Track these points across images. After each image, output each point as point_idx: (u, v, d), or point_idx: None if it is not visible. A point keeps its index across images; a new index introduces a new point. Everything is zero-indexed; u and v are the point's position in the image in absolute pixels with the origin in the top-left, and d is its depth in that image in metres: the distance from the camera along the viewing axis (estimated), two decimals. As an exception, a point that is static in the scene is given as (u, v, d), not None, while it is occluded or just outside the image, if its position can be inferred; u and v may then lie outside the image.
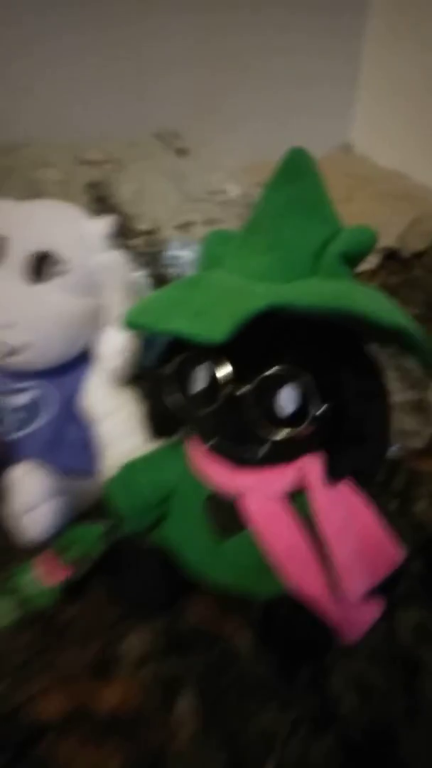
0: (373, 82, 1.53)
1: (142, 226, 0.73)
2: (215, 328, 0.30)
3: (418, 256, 1.15)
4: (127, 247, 0.72)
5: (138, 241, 0.70)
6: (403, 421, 0.64)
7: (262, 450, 0.36)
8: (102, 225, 0.45)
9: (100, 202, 0.75)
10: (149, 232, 0.72)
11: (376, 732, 0.35)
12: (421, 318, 0.94)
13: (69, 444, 0.48)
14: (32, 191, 0.77)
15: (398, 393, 0.69)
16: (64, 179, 0.83)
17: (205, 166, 0.97)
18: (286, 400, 0.34)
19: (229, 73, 1.35)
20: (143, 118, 1.14)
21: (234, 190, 0.83)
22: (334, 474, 0.36)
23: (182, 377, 0.37)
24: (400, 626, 0.41)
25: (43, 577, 0.41)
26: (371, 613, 0.38)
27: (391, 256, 1.13)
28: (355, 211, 1.19)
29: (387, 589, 0.38)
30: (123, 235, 0.74)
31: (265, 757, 0.33)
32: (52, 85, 1.09)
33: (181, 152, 1.02)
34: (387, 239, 1.13)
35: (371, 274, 1.09)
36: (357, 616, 0.37)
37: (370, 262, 1.11)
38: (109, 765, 0.32)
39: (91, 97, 1.13)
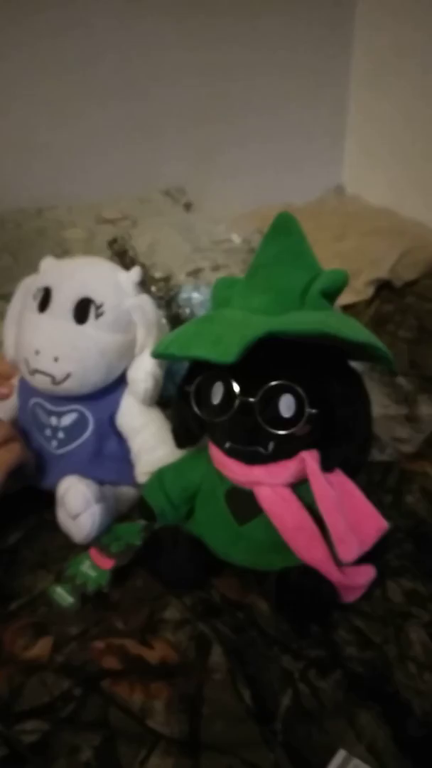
0: (360, 127, 1.66)
1: (157, 274, 0.84)
2: (228, 351, 0.40)
3: (411, 284, 1.23)
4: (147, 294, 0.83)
5: (154, 288, 0.81)
6: (395, 430, 0.73)
7: (270, 446, 0.45)
8: (132, 274, 0.55)
9: (120, 255, 0.86)
10: (164, 279, 0.83)
11: (374, 668, 0.43)
12: (414, 341, 1.04)
13: (109, 457, 0.57)
14: (62, 249, 0.88)
15: (392, 407, 0.78)
16: (87, 237, 0.94)
17: (210, 217, 1.08)
18: (285, 406, 0.44)
19: (226, 130, 1.48)
20: (151, 176, 1.26)
21: (237, 239, 0.94)
22: (327, 464, 0.46)
23: (202, 394, 0.47)
24: (393, 592, 0.49)
25: (96, 565, 0.50)
26: (366, 576, 0.46)
27: (385, 286, 1.22)
28: (349, 247, 1.30)
29: (377, 556, 0.47)
30: (143, 283, 0.84)
31: (282, 691, 0.41)
32: (71, 152, 1.22)
33: (188, 206, 1.13)
34: (380, 271, 1.23)
35: (367, 303, 1.19)
36: (354, 578, 0.46)
37: (365, 293, 1.21)
38: (156, 701, 0.40)
39: (105, 160, 1.26)
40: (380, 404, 0.75)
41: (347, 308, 1.15)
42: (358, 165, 1.72)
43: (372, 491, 0.62)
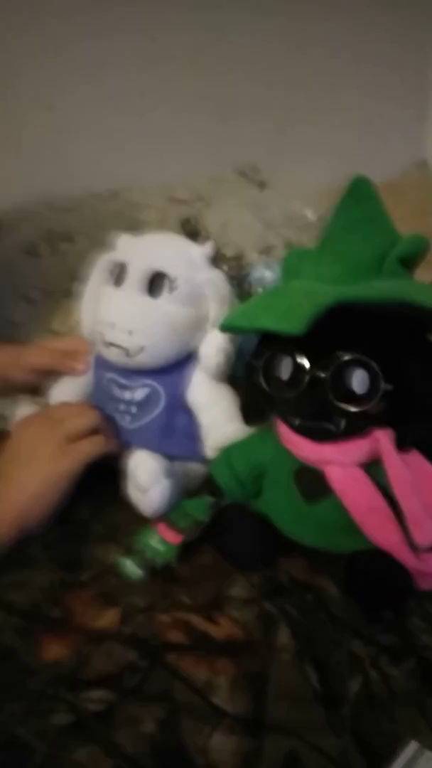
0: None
1: (229, 252, 0.83)
2: (296, 322, 0.38)
3: None
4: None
5: (226, 267, 0.80)
6: None
7: (341, 424, 0.43)
8: (205, 248, 0.55)
9: (192, 235, 0.86)
10: (235, 258, 0.82)
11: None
12: None
13: (179, 432, 0.56)
14: (136, 231, 0.88)
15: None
16: (161, 218, 0.94)
17: (284, 194, 1.06)
18: (358, 382, 0.42)
19: (301, 105, 1.44)
20: (224, 155, 1.25)
21: (311, 215, 0.91)
22: (402, 443, 0.43)
23: (271, 369, 0.45)
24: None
25: (164, 540, 0.50)
26: (442, 563, 0.44)
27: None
28: (428, 223, 1.24)
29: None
30: (215, 262, 0.84)
31: (351, 676, 0.39)
32: (145, 135, 1.22)
33: (262, 185, 1.11)
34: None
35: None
36: (429, 564, 0.43)
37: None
38: (220, 677, 0.40)
39: (177, 141, 1.25)
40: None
41: (428, 287, 1.10)
42: (442, 139, 1.63)
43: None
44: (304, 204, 0.94)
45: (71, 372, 0.61)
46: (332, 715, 0.37)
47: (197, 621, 0.44)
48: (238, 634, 0.43)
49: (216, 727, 0.36)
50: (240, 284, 0.79)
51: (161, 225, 0.91)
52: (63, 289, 0.78)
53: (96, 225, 0.88)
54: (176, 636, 0.43)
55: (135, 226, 0.92)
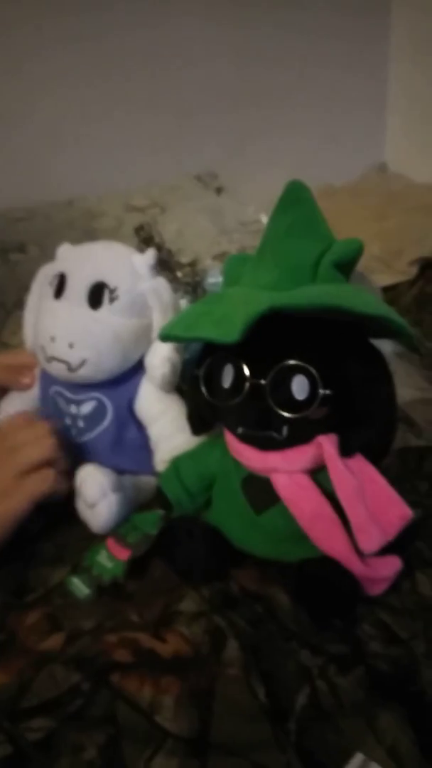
0: (401, 101, 1.59)
1: (184, 259, 0.82)
2: (231, 330, 0.38)
3: (457, 264, 1.17)
4: (173, 279, 0.82)
5: (180, 273, 0.79)
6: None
7: (284, 431, 0.42)
8: (147, 257, 0.54)
9: (146, 242, 0.85)
10: (191, 264, 0.81)
11: (399, 666, 0.40)
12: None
13: (129, 445, 0.55)
14: (90, 239, 0.87)
15: (429, 389, 0.74)
16: (116, 226, 0.93)
17: (242, 200, 1.06)
18: (298, 388, 0.41)
19: (260, 111, 1.44)
20: (183, 162, 1.25)
21: (266, 219, 0.91)
22: (346, 449, 0.43)
23: (213, 378, 0.44)
24: (423, 585, 0.46)
25: (112, 555, 0.49)
26: (391, 567, 0.43)
27: (428, 265, 1.17)
28: (391, 226, 1.25)
29: (404, 547, 0.44)
30: (169, 269, 0.83)
31: (299, 688, 0.39)
32: (102, 142, 1.21)
33: (219, 191, 1.11)
34: (423, 250, 1.18)
35: (410, 285, 1.14)
36: (378, 570, 0.43)
37: (408, 273, 1.16)
38: (165, 696, 0.38)
39: (135, 149, 1.25)
40: (417, 387, 0.71)
41: (389, 289, 1.10)
42: (401, 142, 1.65)
43: (407, 478, 0.59)
44: (260, 209, 0.94)
45: (17, 386, 0.59)
46: (278, 730, 0.36)
47: (144, 639, 0.43)
48: (186, 650, 0.42)
49: (158, 749, 0.35)
50: (194, 290, 0.78)
51: (116, 233, 0.90)
52: (14, 300, 0.76)
53: (49, 234, 0.87)
54: (122, 655, 0.42)
55: (89, 234, 0.91)
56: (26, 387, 0.59)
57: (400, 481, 0.58)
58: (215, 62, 1.35)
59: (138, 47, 1.23)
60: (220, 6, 1.32)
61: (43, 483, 0.49)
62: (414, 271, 1.17)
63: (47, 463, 0.49)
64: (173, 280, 0.80)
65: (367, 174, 1.60)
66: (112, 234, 0.91)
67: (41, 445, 0.50)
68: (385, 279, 1.13)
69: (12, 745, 0.36)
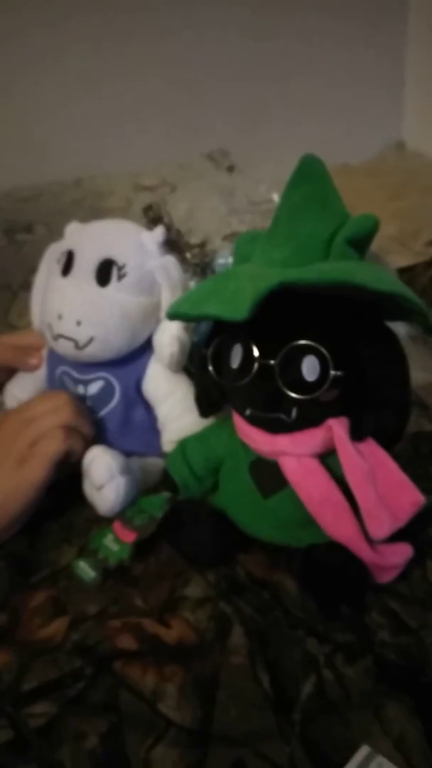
0: (420, 79, 1.55)
1: (194, 240, 0.80)
2: (240, 307, 0.36)
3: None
4: (181, 260, 0.80)
5: (189, 254, 0.78)
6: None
7: (293, 413, 0.41)
8: (156, 234, 0.52)
9: (155, 222, 0.83)
10: (200, 245, 0.79)
11: (408, 655, 0.39)
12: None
13: (136, 426, 0.54)
14: (98, 219, 0.86)
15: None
16: (124, 206, 0.92)
17: (254, 179, 1.03)
18: (308, 369, 0.40)
19: (275, 87, 1.41)
20: (194, 141, 1.22)
21: (278, 198, 0.89)
22: (357, 432, 0.41)
23: (222, 358, 0.43)
24: (433, 573, 0.45)
25: (118, 538, 0.48)
26: (402, 555, 0.42)
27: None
28: (407, 206, 1.22)
29: (416, 534, 0.42)
30: (178, 249, 0.81)
31: (305, 677, 0.38)
32: (112, 121, 1.19)
33: (230, 169, 1.09)
34: (441, 230, 1.14)
35: (427, 266, 1.11)
36: (388, 557, 0.41)
37: (425, 254, 1.14)
38: (169, 684, 0.38)
39: (145, 127, 1.22)
40: None
41: (405, 270, 1.08)
42: (419, 120, 1.61)
43: (419, 463, 0.57)
44: (272, 188, 0.92)
45: (24, 367, 0.58)
46: (282, 720, 0.35)
47: (149, 624, 0.42)
48: (191, 636, 0.41)
49: (160, 738, 0.34)
50: (204, 272, 0.77)
51: (124, 213, 0.89)
52: (20, 282, 0.75)
53: (56, 214, 0.85)
54: (125, 641, 0.41)
55: (97, 214, 0.89)
56: (34, 368, 0.58)
57: (413, 466, 0.56)
58: (227, 38, 1.32)
59: (149, 23, 1.20)
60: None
61: (52, 442, 0.48)
62: (431, 252, 1.14)
63: (58, 427, 0.49)
64: (182, 261, 0.78)
65: (384, 153, 1.57)
66: (121, 214, 0.89)
67: (59, 414, 0.49)
68: (401, 260, 1.10)
69: (13, 730, 0.35)
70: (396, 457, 0.42)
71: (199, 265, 0.78)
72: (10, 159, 1.03)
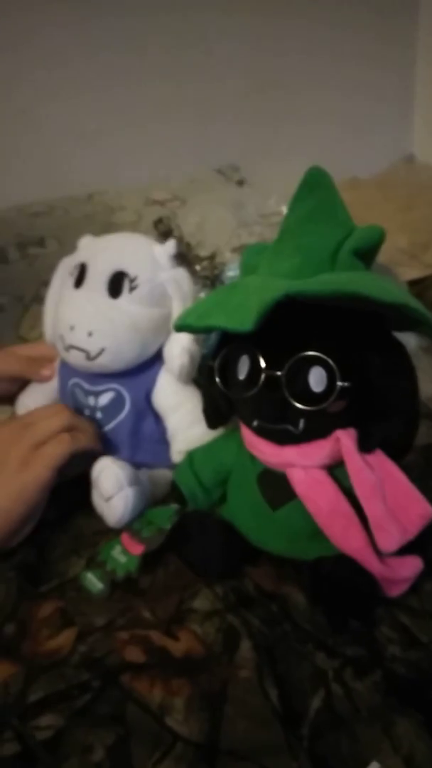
0: (430, 90, 1.55)
1: (203, 252, 0.81)
2: (245, 319, 0.36)
3: None
4: (191, 273, 0.80)
5: (199, 267, 0.78)
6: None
7: (300, 424, 0.41)
8: (167, 247, 0.53)
9: (165, 235, 0.84)
10: (210, 258, 0.80)
11: (418, 670, 0.38)
12: None
13: (146, 438, 0.55)
14: (109, 233, 0.87)
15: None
16: (135, 220, 0.93)
17: (264, 192, 1.04)
18: (315, 380, 0.40)
19: (284, 102, 1.42)
20: (205, 156, 1.23)
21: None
22: (365, 444, 0.41)
23: (229, 369, 0.43)
24: (446, 587, 0.44)
25: (126, 550, 0.48)
26: (412, 568, 0.41)
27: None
28: (417, 218, 1.22)
29: (426, 547, 0.42)
30: (188, 262, 0.82)
31: (313, 691, 0.37)
32: (123, 136, 1.20)
33: (240, 183, 1.09)
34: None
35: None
36: (398, 570, 0.41)
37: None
38: (176, 698, 0.37)
39: (156, 142, 1.24)
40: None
41: (415, 283, 1.08)
42: (429, 131, 1.61)
43: (430, 476, 0.56)
44: (281, 200, 0.92)
45: (37, 378, 0.59)
46: (290, 735, 0.35)
47: (156, 637, 0.42)
48: (198, 649, 0.41)
49: (167, 752, 0.34)
50: (213, 284, 0.77)
51: (135, 227, 0.89)
52: (32, 295, 0.76)
53: (68, 228, 0.86)
54: (133, 653, 0.41)
55: (108, 228, 0.90)
56: (46, 379, 0.58)
57: (425, 478, 0.56)
58: (237, 53, 1.33)
59: (158, 40, 1.22)
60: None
61: (59, 445, 0.48)
62: (443, 262, 1.14)
63: (64, 430, 0.49)
64: (192, 274, 0.79)
65: (394, 166, 1.57)
66: (131, 227, 0.90)
67: (58, 417, 0.50)
68: (411, 272, 1.10)
69: (20, 743, 0.35)
70: (407, 470, 0.42)
71: (209, 278, 0.78)
72: (23, 174, 1.05)
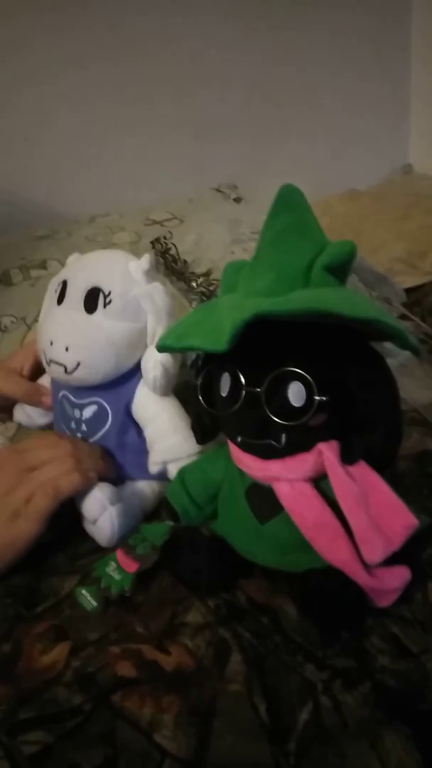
0: (425, 102, 1.56)
1: (199, 269, 0.82)
2: (219, 339, 0.37)
3: None
4: (188, 290, 0.82)
5: (195, 283, 0.79)
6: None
7: (282, 439, 0.41)
8: (142, 262, 0.54)
9: (163, 254, 0.85)
10: (205, 274, 0.81)
11: (408, 682, 0.38)
12: None
13: (129, 450, 0.56)
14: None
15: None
16: (135, 240, 0.94)
17: (262, 209, 1.05)
18: (294, 395, 0.40)
19: (280, 119, 1.44)
20: (204, 176, 1.25)
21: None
22: (348, 456, 0.41)
23: (212, 386, 0.44)
24: (436, 597, 0.44)
25: (121, 567, 0.49)
26: (399, 578, 0.41)
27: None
28: (414, 227, 1.23)
29: (414, 557, 0.42)
30: (184, 280, 0.83)
31: (302, 704, 0.37)
32: (123, 159, 1.23)
33: (237, 200, 1.11)
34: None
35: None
36: (386, 581, 0.41)
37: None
38: (166, 714, 0.38)
39: (156, 164, 1.26)
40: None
41: (413, 291, 1.08)
42: (425, 142, 1.62)
43: (424, 483, 0.57)
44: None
45: (39, 407, 0.61)
46: (277, 750, 0.35)
47: (147, 651, 0.42)
48: (189, 662, 0.41)
49: (154, 768, 0.34)
50: (209, 299, 0.78)
51: (134, 246, 0.91)
52: (35, 315, 0.77)
53: (69, 249, 0.88)
54: (125, 668, 0.41)
55: (108, 248, 0.91)
56: (47, 407, 0.61)
57: (418, 485, 0.57)
58: (233, 73, 1.36)
59: (156, 62, 1.25)
60: (239, 15, 1.32)
61: (44, 500, 0.49)
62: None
63: (75, 466, 0.51)
64: (189, 291, 0.80)
65: (391, 177, 1.58)
66: (131, 247, 0.91)
67: (59, 465, 0.51)
68: (409, 280, 1.10)
69: (8, 760, 0.36)
70: (401, 477, 0.42)
71: (205, 294, 0.79)
72: (26, 199, 1.08)
